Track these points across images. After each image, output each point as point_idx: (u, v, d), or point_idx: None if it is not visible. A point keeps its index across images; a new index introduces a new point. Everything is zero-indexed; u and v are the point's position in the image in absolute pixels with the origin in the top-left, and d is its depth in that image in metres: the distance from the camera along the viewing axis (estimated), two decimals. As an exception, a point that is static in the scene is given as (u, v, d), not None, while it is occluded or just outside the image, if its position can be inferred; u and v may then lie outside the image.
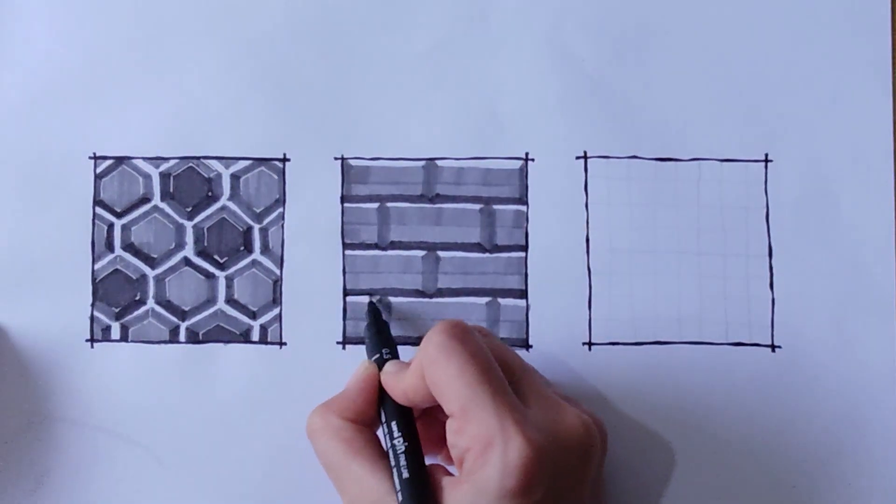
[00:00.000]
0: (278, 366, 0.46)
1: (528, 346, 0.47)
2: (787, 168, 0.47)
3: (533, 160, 0.47)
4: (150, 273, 0.47)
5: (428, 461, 0.40)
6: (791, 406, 0.46)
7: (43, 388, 0.46)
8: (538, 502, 0.36)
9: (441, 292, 0.47)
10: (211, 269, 0.47)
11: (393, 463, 0.39)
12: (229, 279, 0.47)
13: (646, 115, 0.47)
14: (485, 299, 0.47)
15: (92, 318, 0.47)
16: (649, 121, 0.47)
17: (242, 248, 0.47)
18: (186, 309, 0.47)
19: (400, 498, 0.38)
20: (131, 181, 0.47)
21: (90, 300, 0.47)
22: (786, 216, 0.47)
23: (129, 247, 0.47)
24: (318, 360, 0.46)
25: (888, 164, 0.47)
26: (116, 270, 0.47)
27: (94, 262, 0.47)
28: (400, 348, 0.44)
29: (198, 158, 0.48)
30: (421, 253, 0.47)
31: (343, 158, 0.47)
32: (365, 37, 0.48)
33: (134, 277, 0.47)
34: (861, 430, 0.46)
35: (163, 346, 0.47)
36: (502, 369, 0.39)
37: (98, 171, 0.47)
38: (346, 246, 0.47)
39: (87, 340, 0.47)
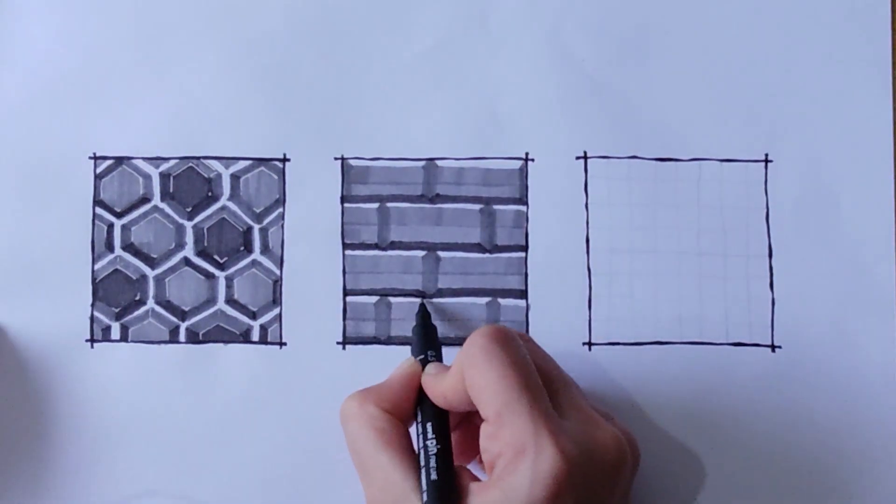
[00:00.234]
0: (278, 366, 0.46)
1: (528, 347, 0.47)
2: (787, 168, 0.47)
3: (533, 160, 0.47)
4: (150, 273, 0.47)
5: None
6: (791, 406, 0.46)
7: (43, 388, 0.46)
8: None
9: (441, 292, 0.47)
10: (211, 269, 0.47)
11: (423, 463, 0.39)
12: (229, 279, 0.47)
13: (646, 115, 0.47)
14: (485, 299, 0.47)
15: (92, 319, 0.47)
16: (649, 121, 0.47)
17: (242, 248, 0.47)
18: (186, 309, 0.47)
19: (425, 498, 0.38)
20: (131, 181, 0.47)
21: (90, 300, 0.47)
22: (786, 216, 0.47)
23: (129, 247, 0.47)
24: (318, 361, 0.46)
25: (888, 164, 0.47)
26: (116, 270, 0.47)
27: (94, 262, 0.47)
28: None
29: (198, 158, 0.48)
30: (421, 253, 0.47)
31: (343, 158, 0.47)
32: (365, 37, 0.48)
33: (134, 277, 0.47)
34: (861, 430, 0.46)
35: (163, 346, 0.47)
36: (542, 378, 0.39)
37: (98, 171, 0.47)
38: (346, 246, 0.47)
39: (87, 340, 0.47)
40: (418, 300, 0.47)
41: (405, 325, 0.47)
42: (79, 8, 0.48)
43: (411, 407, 0.41)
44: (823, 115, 0.47)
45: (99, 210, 0.47)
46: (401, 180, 0.47)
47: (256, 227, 0.47)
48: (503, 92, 0.48)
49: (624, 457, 0.39)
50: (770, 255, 0.47)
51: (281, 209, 0.47)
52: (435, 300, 0.47)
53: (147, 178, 0.47)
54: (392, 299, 0.47)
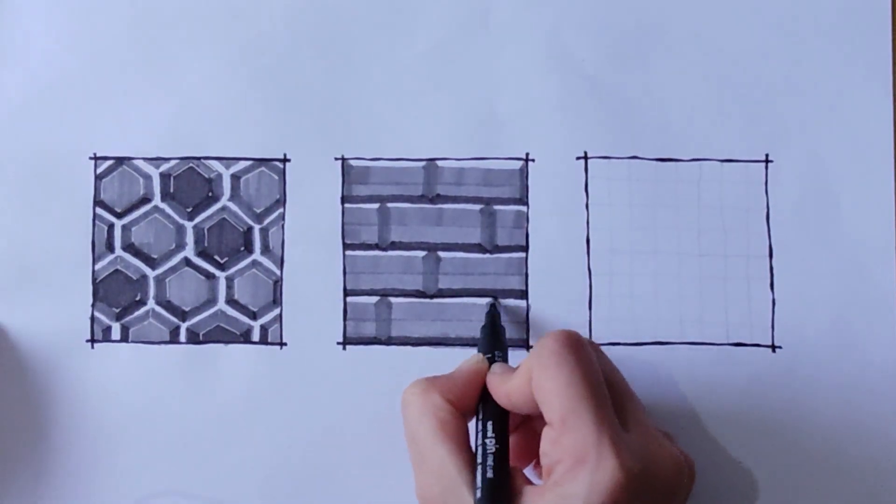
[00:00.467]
0: (278, 366, 0.46)
1: (528, 347, 0.47)
2: (787, 168, 0.47)
3: (533, 161, 0.47)
4: (151, 273, 0.47)
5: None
6: (791, 406, 0.46)
7: (43, 389, 0.46)
8: None
9: (442, 293, 0.47)
10: (211, 269, 0.47)
11: (479, 460, 0.39)
12: (230, 279, 0.47)
13: (646, 115, 0.47)
14: (485, 300, 0.47)
15: (92, 319, 0.47)
16: (650, 121, 0.47)
17: (243, 248, 0.47)
18: (187, 309, 0.47)
19: (479, 495, 0.38)
20: (132, 182, 0.47)
21: (90, 300, 0.47)
22: (786, 217, 0.47)
23: (129, 247, 0.47)
24: (319, 361, 0.46)
25: (888, 164, 0.47)
26: (117, 271, 0.47)
27: (94, 262, 0.47)
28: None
29: (198, 159, 0.48)
30: (421, 253, 0.47)
31: (343, 159, 0.47)
32: (365, 37, 0.48)
33: (134, 278, 0.47)
34: (862, 430, 0.46)
35: (163, 346, 0.47)
36: (608, 390, 0.38)
37: (98, 171, 0.47)
38: (346, 246, 0.47)
39: (87, 341, 0.47)
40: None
41: (405, 325, 0.47)
42: (79, 8, 0.48)
43: (473, 403, 0.41)
44: (824, 115, 0.47)
45: (99, 210, 0.47)
46: (401, 180, 0.47)
47: (257, 227, 0.47)
48: (503, 92, 0.48)
49: (681, 478, 0.39)
50: (770, 256, 0.47)
51: (281, 209, 0.47)
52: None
53: (147, 178, 0.47)
54: (392, 299, 0.47)
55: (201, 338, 0.47)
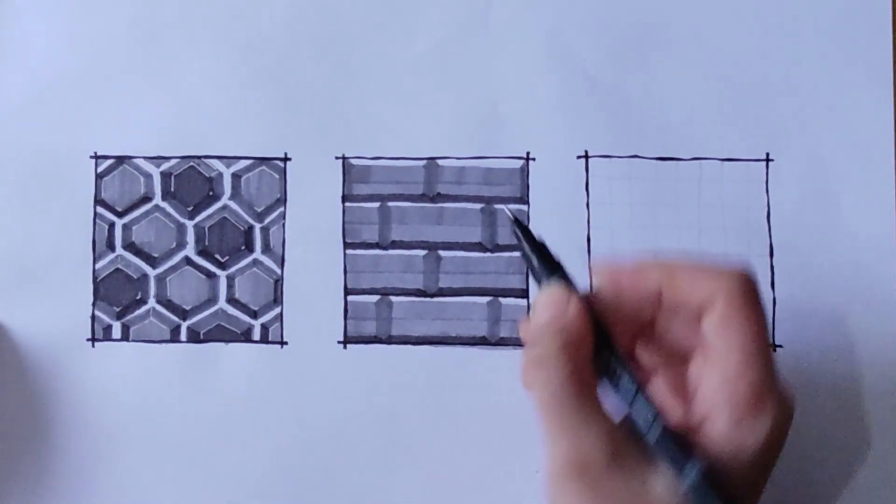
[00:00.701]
0: (279, 365, 0.46)
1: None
2: (788, 167, 0.47)
3: (534, 160, 0.47)
4: (151, 272, 0.47)
5: None
6: (792, 405, 0.46)
7: (44, 388, 0.46)
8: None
9: (442, 292, 0.47)
10: (212, 268, 0.47)
11: (642, 410, 0.36)
12: (230, 278, 0.47)
13: (647, 114, 0.47)
14: (486, 299, 0.47)
15: (93, 318, 0.47)
16: (650, 120, 0.47)
17: (243, 247, 0.47)
18: (187, 308, 0.47)
19: (669, 448, 0.35)
20: (132, 180, 0.47)
21: (91, 299, 0.47)
22: (787, 216, 0.47)
23: (130, 246, 0.47)
24: (320, 360, 0.46)
25: (889, 163, 0.47)
26: (117, 270, 0.47)
27: (95, 261, 0.47)
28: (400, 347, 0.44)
29: (199, 158, 0.48)
30: (422, 252, 0.47)
31: (344, 158, 0.47)
32: (366, 36, 0.48)
33: (135, 277, 0.47)
34: (862, 429, 0.46)
35: (164, 345, 0.47)
36: None
37: (99, 170, 0.47)
38: (347, 245, 0.47)
39: (88, 340, 0.47)
40: (415, 299, 0.47)
41: (406, 324, 0.47)
42: (79, 8, 0.48)
43: (591, 351, 0.37)
44: (824, 114, 0.47)
45: (100, 209, 0.47)
46: (402, 179, 0.47)
47: (257, 226, 0.47)
48: (504, 91, 0.48)
49: None
50: (771, 255, 0.47)
51: (282, 208, 0.47)
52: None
53: (148, 177, 0.47)
54: (393, 298, 0.47)
55: (202, 337, 0.47)
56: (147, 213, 0.47)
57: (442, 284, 0.47)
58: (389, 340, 0.47)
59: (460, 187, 0.47)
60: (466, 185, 0.47)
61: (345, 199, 0.47)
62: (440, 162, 0.47)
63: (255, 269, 0.47)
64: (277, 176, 0.47)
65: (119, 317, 0.47)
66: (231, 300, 0.47)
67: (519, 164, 0.47)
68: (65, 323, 0.47)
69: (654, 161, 0.47)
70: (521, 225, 0.40)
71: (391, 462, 0.46)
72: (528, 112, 0.48)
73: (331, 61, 0.48)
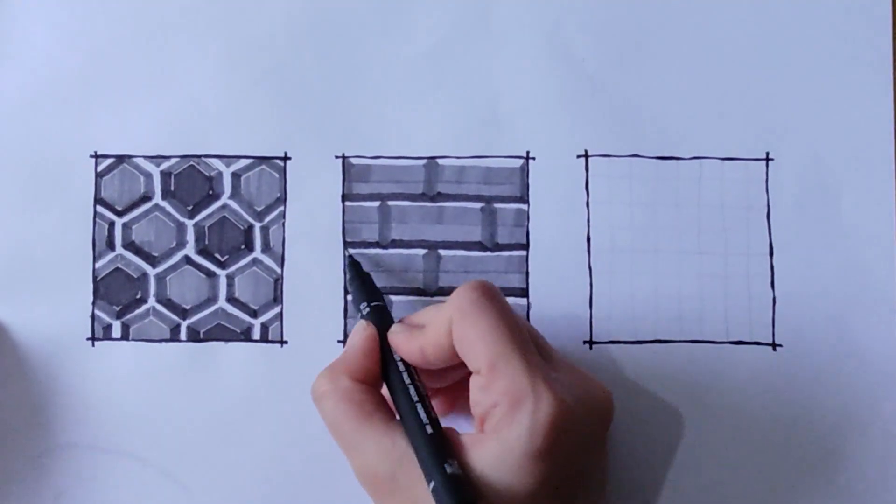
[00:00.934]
0: (279, 364, 0.46)
1: (528, 345, 0.47)
2: (788, 166, 0.47)
3: (534, 159, 0.47)
4: (151, 271, 0.47)
5: None
6: (792, 405, 0.46)
7: (44, 387, 0.46)
8: (563, 462, 0.36)
9: (442, 291, 0.47)
10: (212, 267, 0.47)
11: (411, 421, 0.38)
12: (230, 278, 0.47)
13: (646, 113, 0.47)
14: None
15: (93, 317, 0.47)
16: (650, 119, 0.47)
17: (243, 246, 0.47)
18: (187, 307, 0.47)
19: (424, 455, 0.37)
20: (132, 179, 0.47)
21: (91, 299, 0.47)
22: (787, 215, 0.47)
23: (129, 245, 0.47)
24: (319, 359, 0.46)
25: (889, 162, 0.47)
26: (117, 269, 0.47)
27: (94, 260, 0.47)
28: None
29: (199, 157, 0.48)
30: (422, 251, 0.47)
31: (344, 157, 0.47)
32: (366, 35, 0.48)
33: (135, 276, 0.47)
34: (862, 428, 0.46)
35: (164, 344, 0.47)
36: None
37: (99, 169, 0.47)
38: (347, 244, 0.47)
39: (87, 339, 0.47)
40: (415, 298, 0.47)
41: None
42: (79, 7, 0.48)
43: (378, 370, 0.41)
44: (824, 113, 0.47)
45: (100, 208, 0.47)
46: (402, 179, 0.47)
47: (257, 225, 0.47)
48: (504, 91, 0.48)
49: (610, 405, 0.40)
50: (771, 254, 0.47)
51: (282, 207, 0.47)
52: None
53: (148, 176, 0.47)
54: (393, 297, 0.47)
55: (202, 336, 0.47)
56: (147, 212, 0.47)
57: (442, 284, 0.47)
58: (389, 340, 0.47)
59: (460, 186, 0.47)
60: (466, 185, 0.47)
61: (345, 198, 0.47)
62: (440, 161, 0.47)
63: (254, 268, 0.47)
64: (277, 175, 0.47)
65: (119, 316, 0.47)
66: (231, 299, 0.47)
67: (519, 163, 0.47)
68: (65, 322, 0.47)
69: (654, 160, 0.47)
70: (353, 260, 0.46)
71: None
72: (528, 111, 0.48)
73: (331, 61, 0.48)
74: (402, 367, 0.40)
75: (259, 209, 0.47)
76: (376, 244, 0.47)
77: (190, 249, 0.47)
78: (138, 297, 0.47)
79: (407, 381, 0.40)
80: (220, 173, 0.47)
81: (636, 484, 0.46)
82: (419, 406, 0.39)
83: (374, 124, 0.47)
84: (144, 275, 0.47)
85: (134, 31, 0.48)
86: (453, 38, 0.48)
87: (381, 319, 0.42)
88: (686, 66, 0.48)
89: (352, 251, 0.47)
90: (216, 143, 0.47)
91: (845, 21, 0.48)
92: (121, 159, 0.47)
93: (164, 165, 0.47)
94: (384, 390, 0.41)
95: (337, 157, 0.47)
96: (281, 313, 0.47)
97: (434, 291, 0.47)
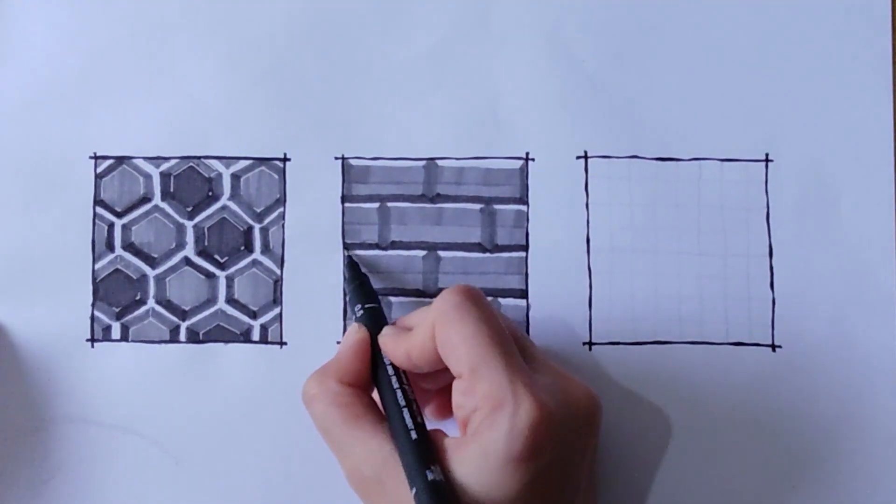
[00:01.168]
0: (279, 365, 0.46)
1: (528, 346, 0.47)
2: (787, 168, 0.47)
3: (533, 160, 0.47)
4: (151, 273, 0.47)
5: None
6: (791, 406, 0.46)
7: (43, 388, 0.46)
8: (543, 467, 0.36)
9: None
10: (211, 268, 0.47)
11: (396, 425, 0.39)
12: (230, 279, 0.47)
13: (646, 114, 0.47)
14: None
15: (92, 318, 0.47)
16: (650, 121, 0.47)
17: (243, 247, 0.47)
18: (187, 309, 0.47)
19: (407, 461, 0.37)
20: (132, 181, 0.47)
21: (90, 300, 0.47)
22: (786, 216, 0.47)
23: (129, 246, 0.47)
24: (319, 360, 0.46)
25: (889, 163, 0.47)
26: (117, 270, 0.47)
27: (94, 261, 0.47)
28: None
29: (198, 158, 0.48)
30: (421, 253, 0.47)
31: (344, 158, 0.47)
32: (366, 37, 0.48)
33: (134, 277, 0.47)
34: (861, 429, 0.46)
35: (163, 345, 0.47)
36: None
37: (98, 170, 0.47)
38: (346, 246, 0.47)
39: (87, 340, 0.47)
40: (414, 299, 0.47)
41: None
42: (79, 8, 0.48)
43: (369, 373, 0.41)
44: (824, 114, 0.47)
45: (99, 210, 0.47)
46: (401, 180, 0.47)
47: (257, 226, 0.47)
48: (504, 92, 0.48)
49: (597, 409, 0.40)
50: (770, 255, 0.47)
51: (281, 209, 0.47)
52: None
53: (147, 177, 0.47)
54: (392, 299, 0.47)
55: (201, 337, 0.47)
56: (146, 213, 0.47)
57: (441, 285, 0.47)
58: (389, 341, 0.47)
59: (460, 188, 0.47)
60: (466, 186, 0.47)
61: (344, 199, 0.47)
62: (439, 162, 0.47)
63: (254, 269, 0.47)
64: (277, 176, 0.47)
65: (118, 317, 0.47)
66: (230, 300, 0.47)
67: (518, 164, 0.47)
68: (64, 323, 0.47)
69: (654, 161, 0.47)
70: (352, 261, 0.46)
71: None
72: (527, 112, 0.48)
73: (331, 61, 0.48)
74: (391, 371, 0.41)
75: (259, 210, 0.47)
76: (376, 245, 0.47)
77: (189, 251, 0.47)
78: (138, 298, 0.47)
79: (395, 385, 0.40)
80: (220, 174, 0.47)
81: (634, 484, 0.46)
82: (405, 411, 0.39)
83: (374, 125, 0.47)
84: (144, 276, 0.47)
85: (134, 32, 0.48)
86: (453, 39, 0.48)
87: (374, 322, 0.42)
88: (686, 66, 0.48)
89: (351, 252, 0.47)
90: (216, 145, 0.47)
91: (845, 21, 0.48)
92: (120, 160, 0.47)
93: (164, 167, 0.47)
94: (375, 394, 0.42)
95: (336, 158, 0.47)
96: (280, 314, 0.47)
97: (434, 293, 0.47)
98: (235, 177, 0.47)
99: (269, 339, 0.47)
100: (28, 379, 0.46)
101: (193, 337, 0.47)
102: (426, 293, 0.47)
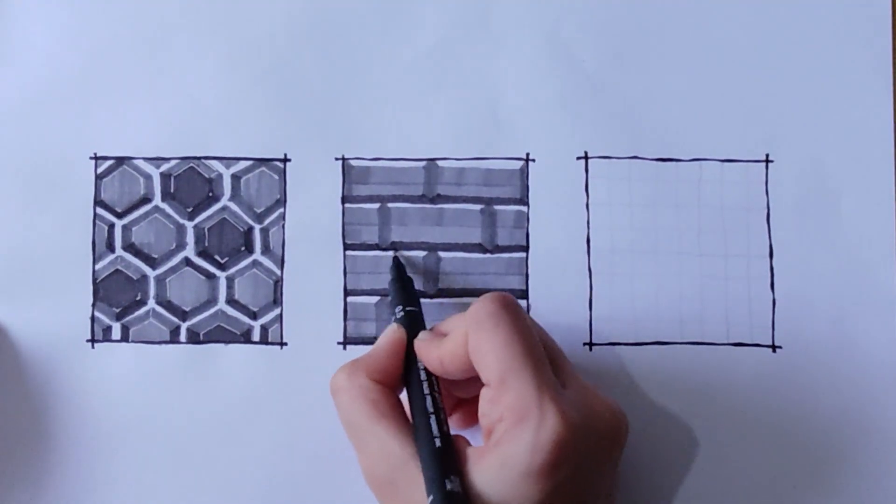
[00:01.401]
0: (279, 366, 0.46)
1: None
2: (787, 168, 0.47)
3: (534, 161, 0.47)
4: (151, 273, 0.47)
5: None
6: (792, 406, 0.46)
7: (43, 389, 0.46)
8: (562, 482, 0.36)
9: (442, 293, 0.47)
10: (212, 269, 0.47)
11: (422, 431, 0.38)
12: (230, 279, 0.47)
13: (646, 115, 0.47)
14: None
15: (93, 319, 0.47)
16: (650, 121, 0.47)
17: (243, 248, 0.47)
18: (187, 309, 0.47)
19: (428, 468, 0.37)
20: (132, 181, 0.47)
21: (91, 300, 0.47)
22: (786, 216, 0.47)
23: (129, 247, 0.47)
24: (319, 361, 0.46)
25: (889, 163, 0.47)
26: (117, 271, 0.47)
27: (94, 262, 0.47)
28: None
29: (198, 159, 0.48)
30: (422, 253, 0.47)
31: (344, 159, 0.47)
32: (366, 37, 0.48)
33: (135, 278, 0.47)
34: (862, 430, 0.46)
35: (163, 346, 0.47)
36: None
37: (99, 171, 0.47)
38: (346, 246, 0.47)
39: (87, 341, 0.47)
40: (391, 254, 0.47)
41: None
42: (79, 8, 0.48)
43: (400, 374, 0.41)
44: (824, 114, 0.47)
45: (100, 210, 0.47)
46: (401, 180, 0.47)
47: (257, 227, 0.47)
48: (504, 92, 0.48)
49: (621, 427, 0.39)
50: (771, 256, 0.47)
51: (282, 209, 0.47)
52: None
53: (148, 178, 0.47)
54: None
55: (202, 338, 0.47)
56: (147, 214, 0.47)
57: (441, 285, 0.47)
58: (389, 341, 0.47)
59: (460, 188, 0.47)
60: (466, 187, 0.47)
61: (344, 200, 0.47)
62: (440, 163, 0.47)
63: (254, 270, 0.47)
64: (277, 177, 0.47)
65: (119, 318, 0.47)
66: (231, 301, 0.47)
67: (518, 165, 0.47)
68: (64, 324, 0.47)
69: (654, 162, 0.47)
70: (398, 261, 0.46)
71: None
72: (527, 113, 0.48)
73: (331, 62, 0.48)
74: (423, 377, 0.40)
75: (259, 211, 0.47)
76: (376, 246, 0.47)
77: (190, 251, 0.47)
78: (138, 298, 0.47)
79: (426, 390, 0.40)
80: (220, 175, 0.47)
81: (635, 485, 0.46)
82: (433, 418, 0.39)
83: (374, 126, 0.47)
84: (144, 276, 0.47)
85: (134, 32, 0.48)
86: (453, 39, 0.48)
87: (413, 325, 0.42)
88: (686, 67, 0.48)
89: (398, 253, 0.47)
90: (216, 145, 0.47)
91: (845, 21, 0.48)
92: (121, 161, 0.47)
93: (164, 167, 0.47)
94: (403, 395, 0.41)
95: (337, 158, 0.47)
96: (281, 315, 0.47)
97: (434, 293, 0.47)
98: (236, 177, 0.47)
99: (270, 340, 0.47)
100: (28, 379, 0.46)
101: (194, 337, 0.47)
102: (426, 294, 0.47)
